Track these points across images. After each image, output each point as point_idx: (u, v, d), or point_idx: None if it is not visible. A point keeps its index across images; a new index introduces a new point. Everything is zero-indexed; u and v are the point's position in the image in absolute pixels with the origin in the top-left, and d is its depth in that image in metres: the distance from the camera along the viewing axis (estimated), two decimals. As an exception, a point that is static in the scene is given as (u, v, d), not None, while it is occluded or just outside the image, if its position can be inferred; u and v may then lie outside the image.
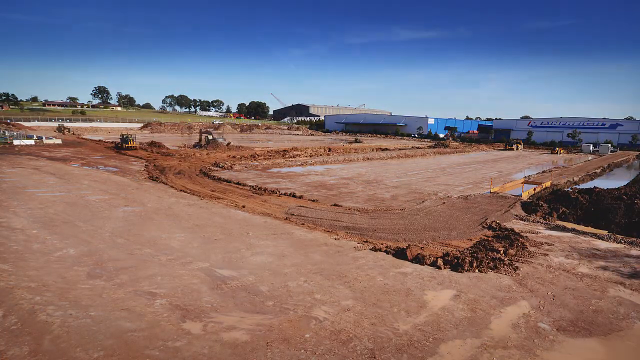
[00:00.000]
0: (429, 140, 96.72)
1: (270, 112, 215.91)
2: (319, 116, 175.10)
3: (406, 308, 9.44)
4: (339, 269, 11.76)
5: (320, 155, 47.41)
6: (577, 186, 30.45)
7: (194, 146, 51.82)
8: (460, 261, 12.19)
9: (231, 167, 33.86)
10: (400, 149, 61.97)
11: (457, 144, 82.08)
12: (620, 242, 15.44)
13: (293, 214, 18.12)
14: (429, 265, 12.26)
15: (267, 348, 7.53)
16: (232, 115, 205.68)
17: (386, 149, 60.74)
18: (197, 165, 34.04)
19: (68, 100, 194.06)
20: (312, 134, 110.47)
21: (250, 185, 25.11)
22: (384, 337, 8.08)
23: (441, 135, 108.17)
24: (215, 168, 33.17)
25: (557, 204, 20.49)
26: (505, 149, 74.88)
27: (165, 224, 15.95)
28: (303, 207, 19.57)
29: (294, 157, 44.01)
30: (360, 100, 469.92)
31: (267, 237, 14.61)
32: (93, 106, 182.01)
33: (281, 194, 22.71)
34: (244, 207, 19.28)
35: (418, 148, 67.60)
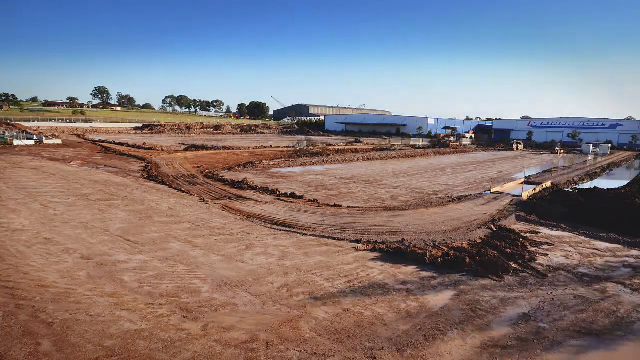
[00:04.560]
0: (429, 140, 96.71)
1: (271, 113, 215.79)
2: (319, 116, 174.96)
3: (406, 308, 9.44)
4: (339, 268, 11.77)
5: (321, 155, 47.39)
6: (577, 186, 30.43)
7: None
8: (460, 261, 12.20)
9: (231, 168, 33.86)
10: (400, 149, 61.96)
11: (457, 143, 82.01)
12: (620, 242, 15.45)
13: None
14: (428, 264, 12.27)
15: (267, 348, 7.53)
16: (232, 115, 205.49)
17: (386, 149, 60.71)
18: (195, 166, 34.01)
19: (68, 100, 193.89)
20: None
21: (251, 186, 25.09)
22: (384, 337, 8.09)
23: (441, 135, 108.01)
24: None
25: (557, 204, 20.48)
26: (505, 149, 74.84)
27: (165, 224, 15.96)
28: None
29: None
30: (360, 100, 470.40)
31: (267, 237, 14.63)
32: (93, 106, 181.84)
33: (280, 194, 22.70)
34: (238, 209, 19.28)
35: (418, 148, 67.60)
